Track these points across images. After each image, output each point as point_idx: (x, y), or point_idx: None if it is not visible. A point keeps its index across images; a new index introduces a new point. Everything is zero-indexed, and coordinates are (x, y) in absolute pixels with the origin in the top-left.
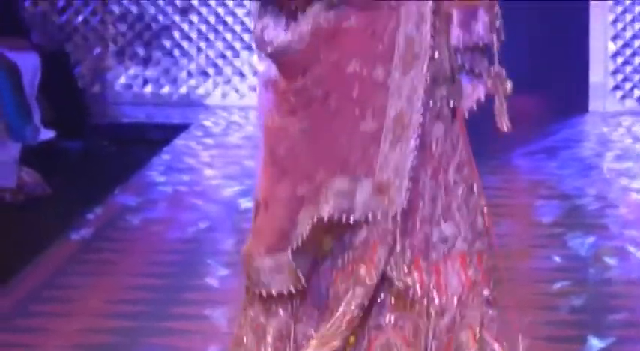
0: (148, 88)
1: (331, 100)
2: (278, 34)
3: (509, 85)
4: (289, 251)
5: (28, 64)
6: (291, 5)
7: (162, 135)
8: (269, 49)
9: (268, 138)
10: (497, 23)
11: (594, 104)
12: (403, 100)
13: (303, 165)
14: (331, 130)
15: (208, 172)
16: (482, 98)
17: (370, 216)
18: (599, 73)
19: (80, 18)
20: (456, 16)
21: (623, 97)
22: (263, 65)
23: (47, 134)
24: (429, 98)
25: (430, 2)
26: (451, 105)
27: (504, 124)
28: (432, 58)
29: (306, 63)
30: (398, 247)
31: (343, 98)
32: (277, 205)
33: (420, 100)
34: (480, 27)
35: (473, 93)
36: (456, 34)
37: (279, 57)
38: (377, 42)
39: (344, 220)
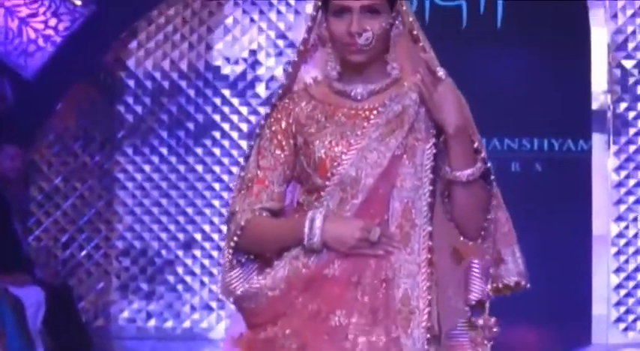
0: (152, 323)
1: None
2: (249, 279)
3: (496, 333)
4: None
5: (32, 299)
6: (267, 253)
7: None
8: (239, 292)
9: None
10: (509, 272)
11: (597, 336)
12: None
13: None
14: None
15: None
16: None
17: None
18: (601, 305)
19: (84, 253)
20: (477, 265)
21: (626, 329)
22: (230, 321)
23: None
24: None
25: (425, 250)
26: None
27: None
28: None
29: (278, 311)
30: None
31: None
32: None
33: None
34: (489, 275)
35: None
36: (479, 286)
37: (247, 303)
38: (362, 292)
39: None
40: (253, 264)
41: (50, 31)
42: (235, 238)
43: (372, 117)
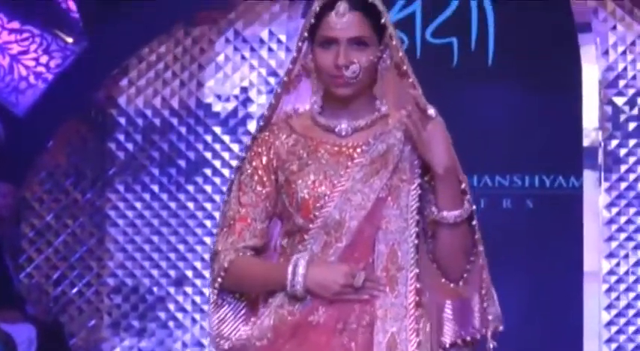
0: None
1: None
2: (237, 327)
3: None
4: None
5: (23, 336)
6: (252, 294)
7: None
8: (226, 345)
9: None
10: (491, 316)
11: None
12: None
13: None
14: None
15: None
16: None
17: None
18: (593, 341)
19: (75, 290)
20: (450, 306)
21: None
22: None
23: None
24: None
25: (413, 293)
26: None
27: None
28: None
29: None
30: None
31: None
32: None
33: None
34: (475, 319)
35: None
36: (451, 328)
37: None
38: (349, 338)
39: None
40: (240, 302)
41: (41, 68)
42: (219, 280)
43: (355, 156)
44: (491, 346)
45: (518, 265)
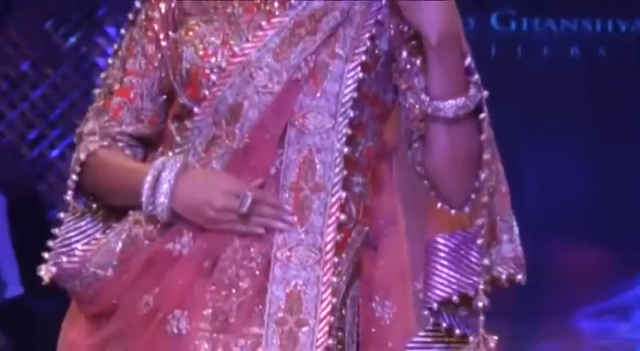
0: None
1: None
2: (72, 247)
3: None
4: None
5: None
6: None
7: None
8: (53, 269)
9: None
10: (510, 254)
11: None
12: None
13: None
14: None
15: None
16: None
17: None
18: None
19: (55, 152)
20: (445, 245)
21: None
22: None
23: (15, 291)
24: None
25: (333, 227)
26: None
27: None
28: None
29: (112, 301)
30: None
31: None
32: None
33: None
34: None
35: None
36: (445, 279)
37: (71, 284)
38: (223, 287)
39: None
40: (97, 216)
41: None
42: (74, 176)
43: (277, 12)
44: (480, 304)
45: (585, 124)
